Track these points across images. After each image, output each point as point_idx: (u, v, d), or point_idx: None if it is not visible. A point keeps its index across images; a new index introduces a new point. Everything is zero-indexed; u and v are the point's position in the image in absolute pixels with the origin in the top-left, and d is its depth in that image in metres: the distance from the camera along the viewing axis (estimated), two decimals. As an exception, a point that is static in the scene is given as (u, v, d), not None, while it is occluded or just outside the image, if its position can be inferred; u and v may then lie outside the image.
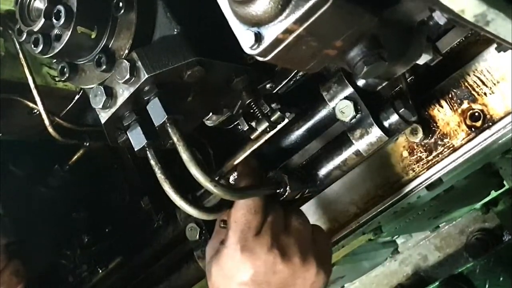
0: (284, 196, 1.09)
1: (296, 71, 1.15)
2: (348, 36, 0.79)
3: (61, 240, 1.57)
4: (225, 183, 1.17)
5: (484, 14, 0.65)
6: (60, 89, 1.32)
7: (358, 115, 1.04)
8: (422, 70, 1.15)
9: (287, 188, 1.08)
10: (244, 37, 0.77)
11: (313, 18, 0.72)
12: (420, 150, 1.22)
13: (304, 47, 0.78)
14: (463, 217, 3.16)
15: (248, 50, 0.77)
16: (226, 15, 0.81)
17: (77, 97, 1.32)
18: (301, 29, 0.74)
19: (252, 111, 1.12)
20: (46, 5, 0.97)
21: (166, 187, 0.97)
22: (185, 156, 0.95)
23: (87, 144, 1.29)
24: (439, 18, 0.82)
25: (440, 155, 1.21)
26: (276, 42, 0.75)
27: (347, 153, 1.09)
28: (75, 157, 1.36)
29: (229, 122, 1.26)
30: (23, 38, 1.02)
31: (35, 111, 1.29)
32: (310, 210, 1.37)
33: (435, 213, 2.38)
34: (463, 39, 1.13)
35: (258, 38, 0.76)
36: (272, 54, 0.77)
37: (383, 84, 1.05)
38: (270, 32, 0.75)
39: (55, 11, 0.96)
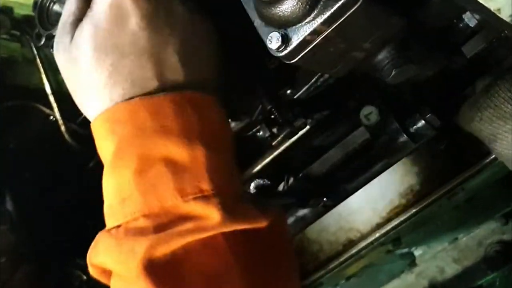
0: (306, 205, 1.06)
1: (318, 76, 1.13)
2: (376, 38, 0.77)
3: (75, 248, 1.55)
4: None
5: (522, 13, 0.62)
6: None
7: (383, 121, 1.02)
8: (449, 74, 1.12)
9: (310, 197, 1.06)
10: (271, 38, 0.75)
11: (342, 19, 0.70)
12: (445, 158, 1.19)
13: (332, 49, 0.75)
14: (481, 229, 3.09)
15: (274, 52, 0.75)
16: (251, 17, 0.79)
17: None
18: (329, 30, 0.72)
19: (273, 117, 1.10)
20: (65, 8, 0.95)
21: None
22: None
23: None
24: (470, 20, 0.79)
25: (464, 163, 1.18)
26: (304, 43, 0.73)
27: (371, 160, 1.06)
28: (91, 163, 1.35)
29: (248, 129, 1.23)
30: (42, 42, 1.01)
31: (51, 117, 1.28)
32: (331, 220, 1.34)
33: (454, 224, 2.34)
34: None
35: (285, 39, 0.73)
36: (299, 56, 0.75)
37: (410, 90, 1.03)
38: (298, 33, 0.73)
39: (75, 14, 0.95)
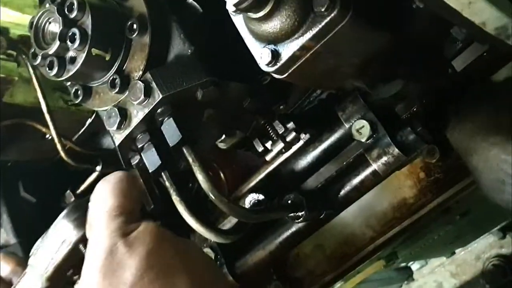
0: (301, 219, 1.07)
1: (310, 91, 1.14)
2: (365, 53, 0.79)
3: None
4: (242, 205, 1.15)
5: (505, 27, 0.64)
6: (72, 113, 1.32)
7: (375, 135, 1.03)
8: (439, 89, 1.13)
9: (305, 211, 1.06)
10: (261, 54, 0.76)
11: (330, 35, 0.72)
12: (437, 171, 1.20)
13: (321, 64, 0.77)
14: (478, 243, 3.10)
15: (265, 68, 0.77)
16: (241, 33, 0.81)
17: (89, 121, 1.32)
18: (318, 46, 0.73)
19: (266, 132, 1.11)
20: (61, 28, 0.97)
21: (181, 209, 0.95)
22: (201, 176, 0.94)
23: (100, 168, 1.28)
24: (458, 34, 0.81)
25: (457, 176, 1.19)
26: (293, 59, 0.74)
27: (364, 174, 1.07)
28: (88, 181, 1.35)
29: (242, 145, 1.24)
30: (38, 62, 1.02)
31: (48, 135, 1.29)
32: (327, 233, 1.35)
33: (451, 238, 2.34)
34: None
35: (275, 55, 0.75)
36: (289, 71, 0.77)
37: (400, 104, 1.04)
38: (287, 49, 0.74)
39: (70, 34, 0.96)
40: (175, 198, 0.96)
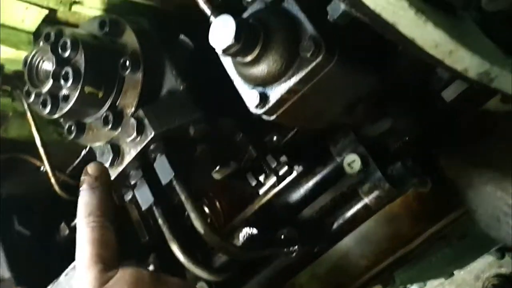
0: (295, 254, 1.07)
1: (302, 125, 1.15)
2: (352, 94, 0.80)
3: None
4: (234, 244, 1.15)
5: (487, 72, 0.65)
6: (67, 145, 1.33)
7: (366, 169, 1.03)
8: (430, 120, 1.14)
9: (298, 246, 1.07)
10: (249, 96, 0.77)
11: (316, 79, 0.73)
12: (430, 201, 1.20)
13: (309, 106, 0.78)
14: (478, 263, 3.08)
15: (253, 110, 0.78)
16: (230, 74, 0.82)
17: (83, 152, 1.32)
18: (305, 89, 0.74)
19: (259, 165, 1.11)
20: (54, 66, 0.98)
21: (174, 248, 0.96)
22: (193, 215, 0.95)
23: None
24: (442, 73, 0.82)
25: (451, 205, 1.19)
26: (281, 101, 0.75)
27: (356, 208, 1.07)
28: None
29: (236, 175, 1.25)
30: (32, 99, 1.03)
31: (42, 168, 1.29)
32: (322, 263, 1.34)
33: (449, 260, 2.33)
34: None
35: (263, 97, 0.76)
36: (278, 113, 0.77)
37: (391, 137, 1.04)
38: (275, 92, 0.75)
39: (63, 73, 0.98)
40: (168, 236, 0.97)
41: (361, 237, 1.28)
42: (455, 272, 3.03)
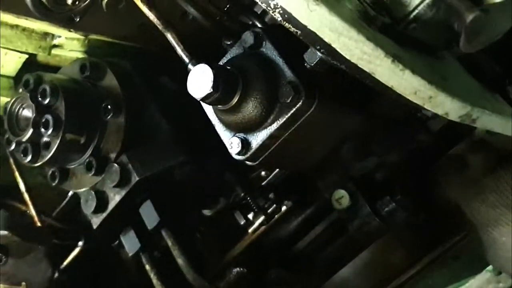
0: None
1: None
2: (335, 135, 0.79)
3: None
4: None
5: (469, 114, 0.64)
6: (52, 187, 1.31)
7: (355, 205, 1.02)
8: (417, 151, 1.13)
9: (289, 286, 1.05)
10: (231, 143, 0.76)
11: (297, 123, 0.72)
12: (423, 231, 1.19)
13: (292, 150, 0.77)
14: (476, 280, 3.06)
15: (235, 156, 0.76)
16: (212, 121, 0.81)
17: (69, 195, 1.30)
18: (287, 133, 0.73)
19: (247, 203, 1.10)
20: (34, 114, 0.97)
21: (162, 293, 0.94)
22: (180, 260, 0.93)
23: (82, 243, 1.26)
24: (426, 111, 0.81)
25: (445, 234, 1.18)
26: (263, 147, 0.74)
27: (346, 243, 1.06)
28: (71, 256, 1.33)
29: (226, 210, 1.23)
30: (12, 148, 1.01)
31: (28, 211, 1.27)
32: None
33: (447, 280, 2.31)
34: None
35: (245, 144, 0.75)
36: (260, 159, 0.76)
37: (379, 172, 1.03)
38: (256, 138, 0.74)
39: (43, 120, 0.96)
40: (156, 282, 0.95)
41: (355, 269, 1.26)
42: (453, 290, 3.01)
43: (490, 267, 2.81)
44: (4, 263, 0.78)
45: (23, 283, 0.82)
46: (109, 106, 0.99)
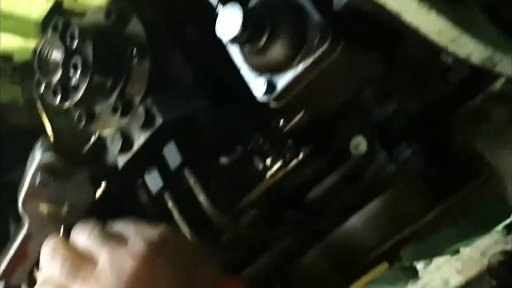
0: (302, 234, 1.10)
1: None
2: (358, 79, 0.81)
3: None
4: (242, 224, 1.17)
5: (490, 57, 0.66)
6: (77, 132, 1.35)
7: (372, 151, 1.05)
8: (436, 101, 1.15)
9: (306, 226, 1.09)
10: (256, 85, 0.79)
11: (323, 65, 0.74)
12: (437, 181, 1.22)
13: (316, 92, 0.80)
14: (484, 239, 3.11)
15: (260, 98, 0.79)
16: (237, 63, 0.84)
17: (93, 138, 1.34)
18: (311, 75, 0.76)
19: (266, 149, 1.13)
20: (63, 56, 1.00)
21: (184, 228, 0.98)
22: (201, 197, 0.97)
23: (104, 187, 1.30)
24: (447, 57, 0.83)
25: (458, 184, 1.21)
26: (288, 89, 0.77)
27: (362, 189, 1.09)
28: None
29: (242, 160, 1.27)
30: (42, 89, 1.05)
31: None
32: (329, 242, 1.37)
33: (455, 238, 2.35)
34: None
35: (270, 85, 0.78)
36: (284, 100, 0.79)
37: (397, 119, 1.06)
38: (282, 80, 0.77)
39: (72, 63, 0.99)
40: (178, 218, 0.99)
41: (367, 217, 1.30)
42: (461, 249, 3.06)
43: (499, 228, 2.86)
44: (50, 183, 0.82)
45: (66, 203, 0.86)
46: (134, 51, 1.02)
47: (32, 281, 1.01)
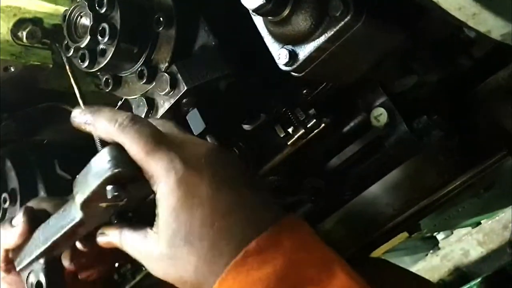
0: (320, 201, 1.12)
1: (331, 79, 1.17)
2: (379, 51, 0.82)
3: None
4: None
5: (510, 33, 0.66)
6: (104, 96, 1.38)
7: (392, 122, 1.06)
8: (458, 74, 1.15)
9: (324, 194, 1.11)
10: (279, 54, 0.80)
11: (345, 37, 0.75)
12: (456, 154, 1.22)
13: (337, 63, 0.81)
14: (506, 213, 3.10)
15: (282, 67, 0.81)
16: (261, 33, 0.85)
17: (119, 104, 1.38)
18: (333, 47, 0.77)
19: (288, 117, 1.15)
20: (91, 23, 1.02)
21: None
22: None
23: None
24: (469, 31, 0.83)
25: (478, 158, 1.21)
26: (310, 59, 0.78)
27: (381, 159, 1.11)
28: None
29: (264, 127, 1.29)
30: (70, 54, 1.08)
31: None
32: (347, 211, 1.39)
33: (476, 210, 2.36)
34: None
35: (292, 55, 0.79)
36: (306, 70, 0.80)
37: (417, 91, 1.06)
38: (304, 50, 0.78)
39: (100, 29, 1.02)
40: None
41: (387, 186, 1.31)
42: (482, 221, 3.06)
43: (521, 200, 2.83)
44: (122, 195, 0.82)
45: (125, 199, 0.85)
46: (161, 18, 1.04)
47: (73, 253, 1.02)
